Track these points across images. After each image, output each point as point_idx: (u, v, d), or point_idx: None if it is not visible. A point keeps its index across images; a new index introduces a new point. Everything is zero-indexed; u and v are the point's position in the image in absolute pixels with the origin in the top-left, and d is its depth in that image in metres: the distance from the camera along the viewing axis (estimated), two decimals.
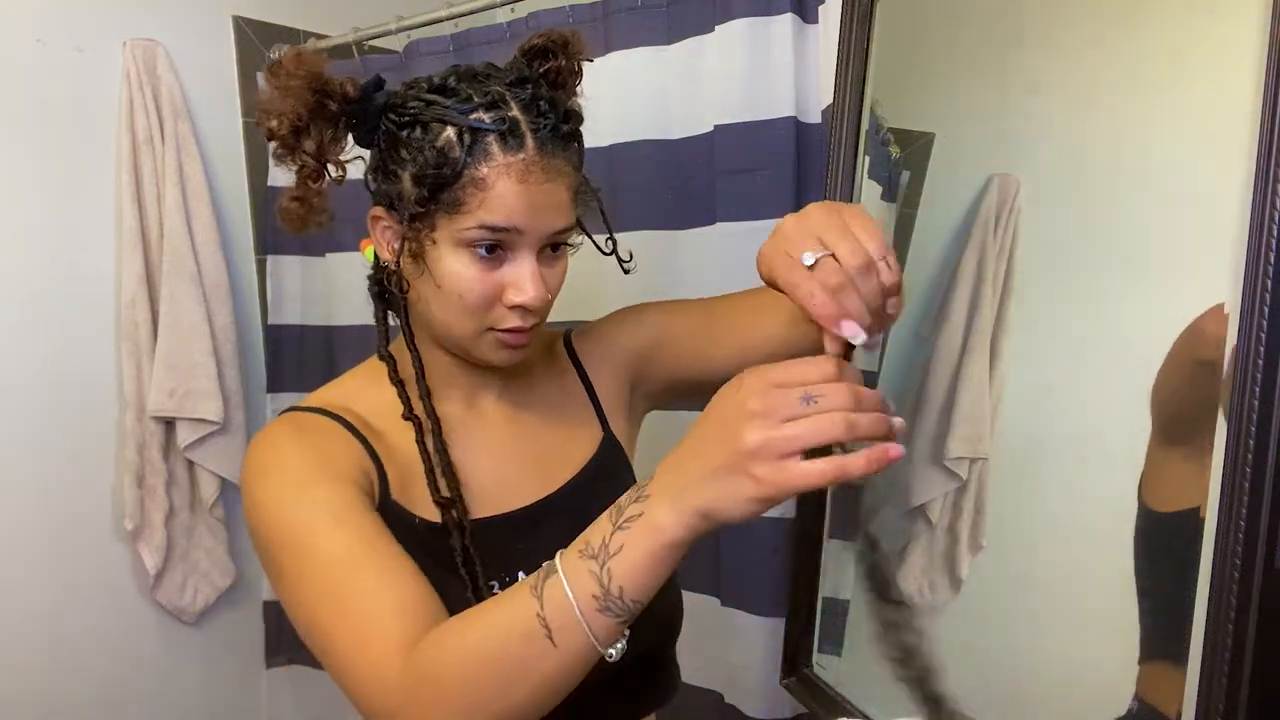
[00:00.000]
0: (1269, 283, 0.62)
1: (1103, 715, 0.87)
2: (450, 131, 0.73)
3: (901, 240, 1.25)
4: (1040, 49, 1.01)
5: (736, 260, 1.36)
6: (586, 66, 0.87)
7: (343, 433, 0.79)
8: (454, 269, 0.76)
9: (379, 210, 0.79)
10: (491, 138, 0.73)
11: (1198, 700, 0.67)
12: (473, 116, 0.74)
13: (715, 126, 1.36)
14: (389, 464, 0.80)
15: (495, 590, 0.79)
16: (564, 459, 0.90)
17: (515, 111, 0.74)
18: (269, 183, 1.92)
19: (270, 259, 1.94)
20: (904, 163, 1.25)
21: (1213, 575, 0.66)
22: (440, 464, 0.80)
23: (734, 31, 1.34)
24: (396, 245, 0.79)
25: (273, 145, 0.78)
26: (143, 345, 1.71)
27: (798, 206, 1.34)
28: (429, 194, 0.74)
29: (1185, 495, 0.74)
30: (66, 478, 1.68)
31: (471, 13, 1.62)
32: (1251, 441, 0.63)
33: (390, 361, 0.84)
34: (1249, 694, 0.63)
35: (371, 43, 1.81)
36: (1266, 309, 0.62)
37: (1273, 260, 0.62)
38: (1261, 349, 0.62)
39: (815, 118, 1.33)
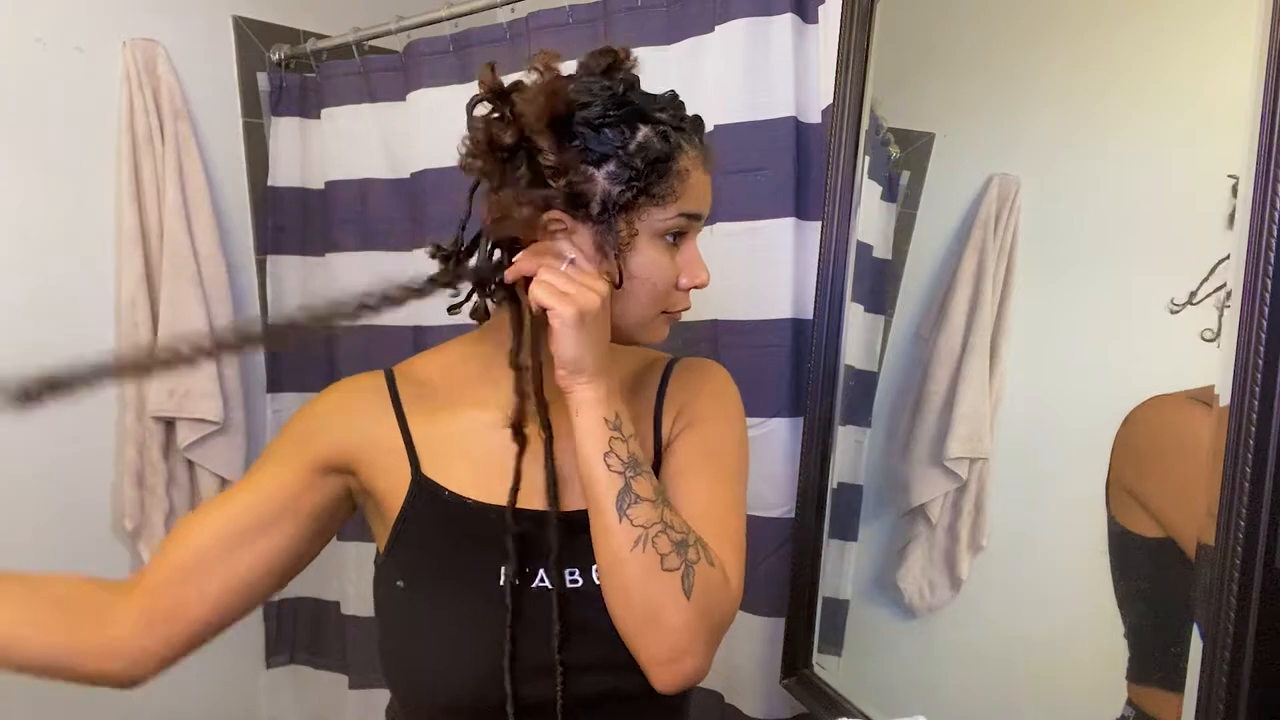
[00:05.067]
0: (1269, 282, 0.62)
1: (1102, 712, 0.87)
2: (647, 129, 0.77)
3: (901, 240, 1.25)
4: (1040, 49, 1.01)
5: (736, 260, 1.36)
6: None
7: (383, 403, 0.85)
8: (651, 258, 0.79)
9: (557, 213, 0.76)
10: (681, 134, 0.78)
11: (1198, 699, 0.67)
12: (661, 114, 0.78)
13: (715, 126, 1.36)
14: (424, 433, 0.84)
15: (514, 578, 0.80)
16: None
17: (683, 111, 0.80)
18: (269, 183, 1.92)
19: (270, 259, 1.93)
20: (904, 163, 1.26)
21: (1212, 576, 0.66)
22: (550, 478, 0.81)
23: (734, 31, 1.34)
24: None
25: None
26: (143, 345, 1.70)
27: (798, 206, 1.35)
28: (642, 187, 0.76)
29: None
30: (67, 477, 1.67)
31: (471, 13, 1.62)
32: (1251, 441, 0.63)
33: (520, 372, 0.80)
34: (1249, 692, 0.63)
35: (371, 43, 1.81)
36: (1266, 309, 0.62)
37: (1273, 260, 0.62)
38: (1262, 349, 0.62)
39: (815, 118, 1.33)
